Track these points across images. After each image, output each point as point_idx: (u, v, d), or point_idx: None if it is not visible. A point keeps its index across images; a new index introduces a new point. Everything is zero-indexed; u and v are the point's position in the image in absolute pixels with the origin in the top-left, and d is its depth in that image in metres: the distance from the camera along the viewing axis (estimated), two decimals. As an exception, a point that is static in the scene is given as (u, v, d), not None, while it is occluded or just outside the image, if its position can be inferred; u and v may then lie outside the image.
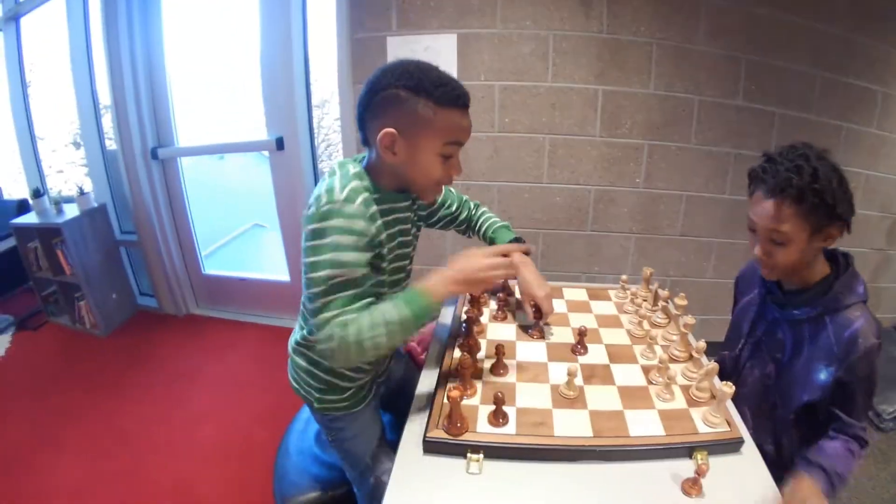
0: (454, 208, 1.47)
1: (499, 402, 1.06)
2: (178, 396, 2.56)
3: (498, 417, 1.08)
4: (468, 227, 1.52)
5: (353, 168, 1.06)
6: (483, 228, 1.49)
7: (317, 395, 1.23)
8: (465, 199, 1.51)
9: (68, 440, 2.25)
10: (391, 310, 0.98)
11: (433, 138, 1.00)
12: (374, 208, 1.03)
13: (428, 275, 1.06)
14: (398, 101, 0.97)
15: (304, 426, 1.69)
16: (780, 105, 2.43)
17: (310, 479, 1.45)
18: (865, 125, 2.59)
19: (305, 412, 1.73)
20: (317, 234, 0.96)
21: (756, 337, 1.36)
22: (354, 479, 1.37)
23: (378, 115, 1.00)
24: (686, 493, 0.97)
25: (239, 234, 3.99)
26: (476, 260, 1.09)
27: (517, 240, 1.44)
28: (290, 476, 1.48)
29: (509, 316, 1.49)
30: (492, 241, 1.47)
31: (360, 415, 1.29)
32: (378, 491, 1.27)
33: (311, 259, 0.96)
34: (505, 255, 1.23)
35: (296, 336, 1.25)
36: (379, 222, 1.04)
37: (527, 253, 1.42)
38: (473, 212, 1.52)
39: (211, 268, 3.34)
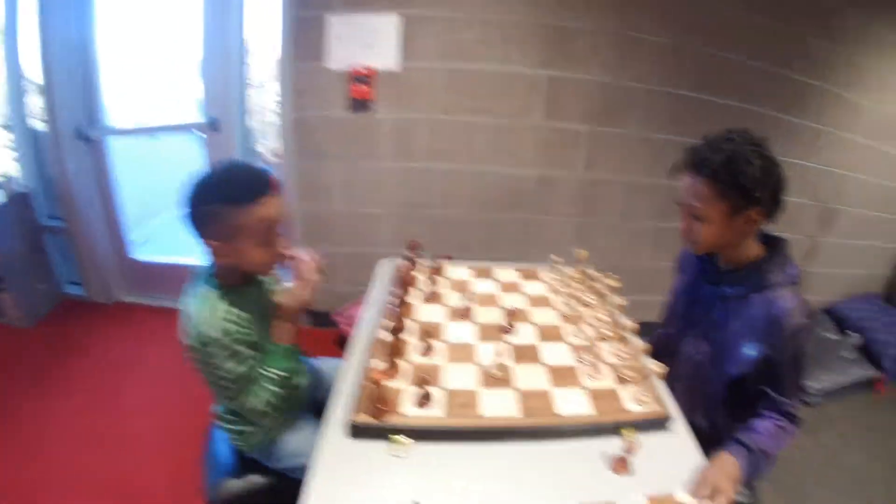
0: None
1: (423, 382, 1.05)
2: (109, 387, 2.43)
3: (424, 399, 1.06)
4: None
5: (209, 291, 1.14)
6: None
7: (240, 442, 1.32)
8: None
9: (-6, 437, 2.11)
10: (274, 377, 1.17)
11: (248, 234, 1.08)
12: (237, 316, 1.14)
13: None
14: (209, 215, 1.06)
15: (231, 411, 1.63)
16: (722, 96, 2.48)
17: (241, 466, 1.40)
18: (804, 118, 2.68)
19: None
20: (204, 361, 1.10)
21: (692, 316, 1.38)
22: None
23: (201, 230, 1.09)
24: (615, 471, 0.98)
25: (169, 219, 3.85)
26: (291, 293, 1.22)
27: None
28: (219, 464, 1.42)
29: (438, 297, 1.47)
30: None
31: (290, 437, 1.31)
32: None
33: (209, 379, 1.14)
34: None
35: (216, 408, 1.36)
36: (245, 322, 1.16)
37: None
38: None
39: (141, 253, 3.18)
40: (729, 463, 1.08)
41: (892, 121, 2.92)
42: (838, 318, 3.18)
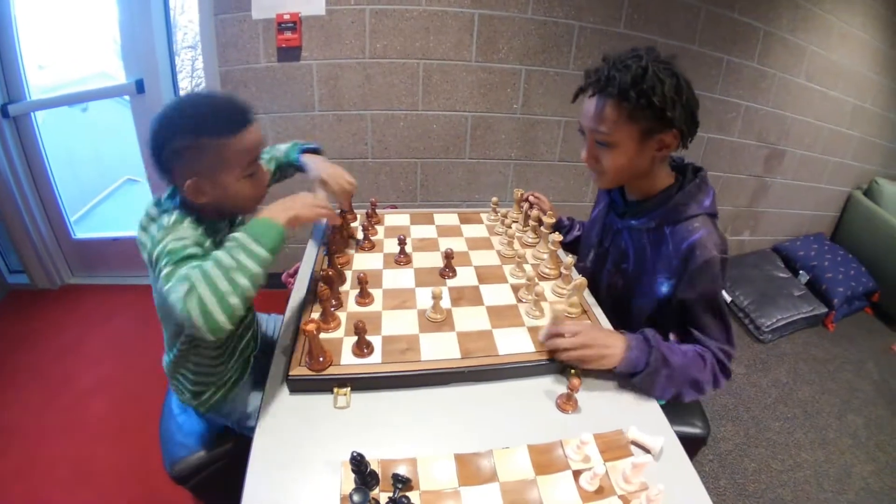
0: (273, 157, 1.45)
1: (360, 331, 1.01)
2: (63, 374, 2.36)
3: (362, 347, 1.03)
4: (278, 171, 1.48)
5: (169, 216, 1.00)
6: (280, 161, 1.46)
7: (194, 402, 1.23)
8: (272, 153, 1.45)
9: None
10: (228, 244, 0.91)
11: (232, 168, 0.99)
12: (201, 230, 1.01)
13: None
14: (185, 149, 0.95)
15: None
16: (662, 34, 2.46)
17: (196, 437, 1.36)
18: (747, 59, 2.69)
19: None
20: (157, 258, 0.93)
21: (603, 248, 1.35)
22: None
23: (173, 167, 0.98)
24: (561, 408, 0.97)
25: (110, 192, 3.69)
26: (304, 197, 1.08)
27: (314, 150, 1.46)
28: (175, 437, 1.38)
29: (376, 245, 1.44)
30: (288, 165, 1.46)
31: (241, 395, 1.26)
32: None
33: (161, 262, 0.92)
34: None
35: (166, 358, 1.21)
36: (208, 242, 1.02)
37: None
38: (279, 155, 1.46)
39: (83, 232, 3.04)
40: (615, 334, 1.06)
41: (836, 65, 2.97)
42: (787, 258, 3.27)
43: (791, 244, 3.34)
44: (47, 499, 1.80)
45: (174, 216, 1.00)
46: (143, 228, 1.02)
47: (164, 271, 0.90)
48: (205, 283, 0.84)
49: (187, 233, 0.97)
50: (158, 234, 0.96)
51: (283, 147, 1.47)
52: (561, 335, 1.02)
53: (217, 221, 1.10)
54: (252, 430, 1.23)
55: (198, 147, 0.95)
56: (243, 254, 0.89)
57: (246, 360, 1.29)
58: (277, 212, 0.99)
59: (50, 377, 2.36)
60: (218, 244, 0.97)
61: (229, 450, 1.33)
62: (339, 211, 1.47)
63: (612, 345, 1.01)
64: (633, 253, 1.23)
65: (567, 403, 0.97)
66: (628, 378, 1.03)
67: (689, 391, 1.05)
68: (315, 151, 1.47)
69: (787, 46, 2.75)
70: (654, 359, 1.00)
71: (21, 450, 1.99)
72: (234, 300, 0.85)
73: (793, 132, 3.06)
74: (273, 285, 2.61)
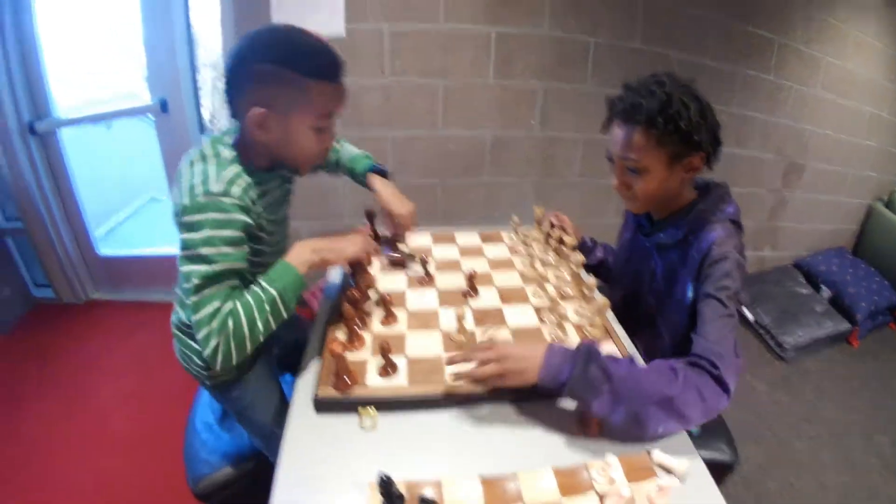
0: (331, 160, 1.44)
1: (385, 351, 1.01)
2: (85, 389, 2.40)
3: (387, 368, 1.04)
4: (336, 166, 1.46)
5: (226, 152, 0.99)
6: (342, 161, 1.44)
7: (204, 374, 1.20)
8: (336, 147, 1.46)
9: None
10: (260, 295, 0.96)
11: (307, 113, 0.95)
12: (253, 192, 0.99)
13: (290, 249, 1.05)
14: (267, 75, 0.91)
15: (210, 400, 1.61)
16: (678, 49, 2.47)
17: (220, 455, 1.39)
18: (762, 72, 2.68)
19: (208, 388, 1.65)
20: (191, 227, 0.91)
21: (634, 271, 1.35)
22: (263, 447, 1.33)
23: (245, 92, 0.94)
24: (584, 432, 0.95)
25: (134, 210, 3.76)
26: (338, 237, 1.11)
27: (375, 167, 1.41)
28: (199, 455, 1.41)
29: (401, 265, 1.46)
30: (349, 171, 1.43)
31: (251, 380, 1.24)
32: None
33: (186, 253, 0.92)
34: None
35: (176, 316, 1.21)
36: (259, 206, 1.01)
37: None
38: (338, 147, 1.45)
39: (107, 248, 3.11)
40: (535, 346, 0.95)
41: (852, 74, 2.95)
42: (808, 273, 3.23)
43: (812, 259, 3.29)
44: None
45: (230, 154, 0.99)
46: (191, 164, 0.97)
47: (196, 283, 0.91)
48: (233, 342, 0.93)
49: (233, 216, 0.93)
50: (201, 190, 0.91)
51: (351, 149, 1.45)
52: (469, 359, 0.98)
53: (266, 173, 1.07)
54: (248, 420, 1.27)
55: (281, 78, 0.91)
56: (268, 310, 0.96)
57: (262, 354, 1.29)
58: (304, 254, 1.02)
59: (73, 390, 2.39)
60: (264, 198, 1.04)
61: (253, 468, 1.35)
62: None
63: (531, 356, 0.93)
64: (662, 270, 1.24)
65: (589, 426, 0.95)
66: (557, 395, 0.96)
67: (659, 412, 0.89)
68: (383, 174, 1.42)
69: (802, 58, 2.74)
70: (586, 367, 0.90)
71: (42, 461, 2.02)
72: (250, 347, 0.96)
73: (811, 145, 3.04)
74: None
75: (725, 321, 1.01)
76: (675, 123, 1.01)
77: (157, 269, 3.01)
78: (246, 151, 1.01)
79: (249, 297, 0.94)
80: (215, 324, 0.90)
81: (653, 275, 1.27)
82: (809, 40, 2.72)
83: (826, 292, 3.07)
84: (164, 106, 2.55)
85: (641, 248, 1.31)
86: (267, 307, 0.95)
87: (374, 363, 1.06)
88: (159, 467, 1.94)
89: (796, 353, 2.75)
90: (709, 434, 1.37)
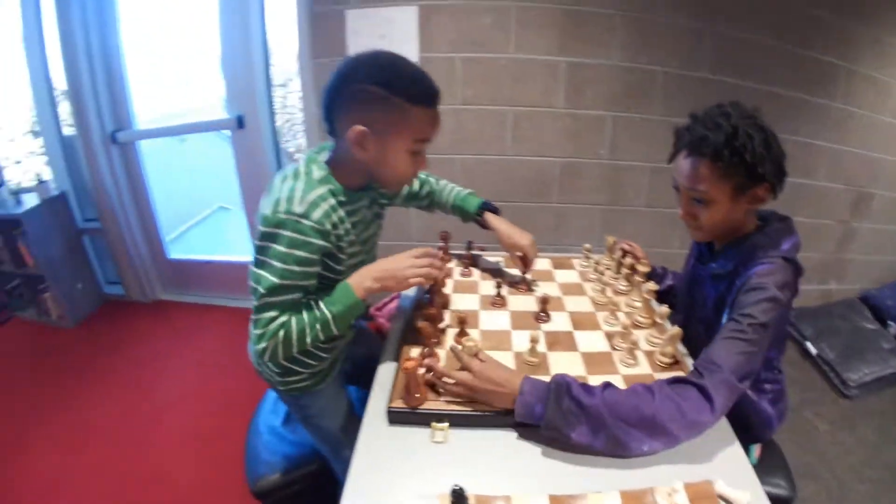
0: (416, 185, 1.48)
1: (463, 322, 1.13)
2: (148, 384, 2.52)
3: (463, 336, 1.15)
4: (431, 202, 1.52)
5: (318, 172, 1.04)
6: (448, 199, 1.50)
7: (278, 379, 1.24)
8: (425, 174, 1.50)
9: (40, 435, 2.19)
10: (316, 314, 1.03)
11: (404, 136, 1.00)
12: (339, 214, 1.04)
13: (356, 271, 1.11)
14: (370, 96, 0.95)
15: (274, 405, 1.67)
16: (745, 78, 2.44)
17: (281, 457, 1.44)
18: (831, 100, 2.62)
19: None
20: (268, 237, 0.98)
21: (691, 299, 1.36)
22: (329, 454, 1.38)
23: (348, 110, 0.98)
24: None
25: (203, 217, 3.93)
26: (400, 259, 1.12)
27: (486, 204, 1.49)
28: (261, 455, 1.46)
29: (470, 287, 1.49)
30: (459, 209, 1.49)
31: (323, 392, 1.30)
32: None
33: (259, 258, 0.99)
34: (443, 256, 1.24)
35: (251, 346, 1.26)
36: (345, 226, 1.06)
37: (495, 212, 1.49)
38: (435, 185, 1.52)
39: (176, 252, 3.27)
40: (516, 376, 0.98)
41: (924, 100, 2.84)
42: (875, 307, 3.10)
43: (880, 293, 3.16)
44: (121, 494, 1.92)
45: (321, 174, 1.04)
46: (283, 179, 1.03)
47: (262, 290, 0.98)
48: (281, 349, 1.03)
49: (309, 239, 0.98)
50: (284, 207, 0.96)
51: (449, 186, 1.52)
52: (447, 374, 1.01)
53: (357, 192, 1.11)
54: (315, 427, 1.31)
55: (384, 100, 0.95)
56: (319, 329, 1.03)
57: (338, 355, 1.33)
58: (359, 283, 1.07)
59: (135, 384, 2.52)
60: (355, 226, 1.10)
61: (311, 473, 1.39)
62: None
63: (506, 387, 0.96)
64: (713, 299, 1.24)
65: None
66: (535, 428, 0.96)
67: (638, 432, 0.91)
68: (495, 211, 1.51)
69: (871, 84, 2.66)
70: (558, 402, 0.92)
71: (100, 448, 2.13)
72: (296, 352, 1.06)
73: (881, 174, 2.93)
74: (360, 317, 2.75)
75: (737, 343, 0.99)
76: (740, 156, 1.02)
77: (222, 275, 3.15)
78: (339, 169, 1.06)
79: (306, 315, 1.02)
80: (270, 329, 1.00)
81: (704, 303, 1.28)
82: (879, 66, 2.63)
83: (894, 328, 2.95)
84: (240, 122, 2.68)
85: (699, 276, 1.31)
86: (318, 326, 1.03)
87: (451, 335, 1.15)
88: (215, 465, 2.03)
89: (860, 391, 2.65)
90: (767, 468, 1.35)
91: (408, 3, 2.26)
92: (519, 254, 1.44)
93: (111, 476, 1.99)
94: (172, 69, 3.37)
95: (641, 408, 0.91)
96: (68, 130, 3.00)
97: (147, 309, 3.20)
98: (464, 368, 1.01)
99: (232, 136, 2.77)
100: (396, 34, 2.30)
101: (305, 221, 0.97)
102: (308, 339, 1.03)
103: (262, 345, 1.01)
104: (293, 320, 1.01)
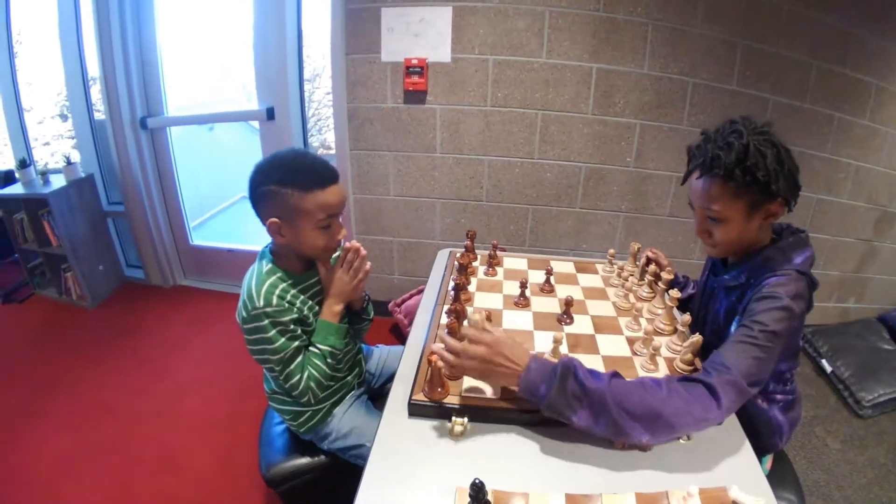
0: None
1: (487, 319, 1.10)
2: (164, 367, 2.55)
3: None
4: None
5: (266, 265, 1.22)
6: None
7: (294, 424, 1.38)
8: None
9: (55, 412, 2.24)
10: (318, 353, 1.24)
11: (307, 220, 1.15)
12: (291, 294, 1.21)
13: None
14: (271, 195, 1.13)
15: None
16: (774, 91, 2.43)
17: (295, 445, 1.45)
18: (858, 116, 2.60)
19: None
20: (252, 332, 1.17)
21: (704, 311, 1.37)
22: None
23: (261, 208, 1.18)
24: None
25: (227, 206, 3.98)
26: (340, 276, 1.27)
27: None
28: (275, 442, 1.47)
29: (495, 286, 1.51)
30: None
31: (338, 414, 1.38)
32: None
33: (256, 351, 1.20)
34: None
35: (267, 385, 1.42)
36: (301, 299, 1.24)
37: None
38: None
39: (198, 239, 3.31)
40: (526, 354, 0.99)
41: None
42: (893, 328, 3.07)
43: (897, 314, 3.14)
44: (133, 474, 1.95)
45: (268, 266, 1.22)
46: (247, 276, 1.22)
47: (275, 372, 1.21)
48: (318, 389, 1.25)
49: (279, 318, 1.16)
50: (250, 306, 1.15)
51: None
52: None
53: (302, 276, 1.27)
54: (349, 449, 1.34)
55: (281, 194, 1.12)
56: (328, 359, 1.24)
57: (347, 391, 1.43)
58: (329, 313, 1.26)
59: (152, 367, 2.55)
60: (311, 298, 1.27)
61: (325, 462, 1.39)
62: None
63: (516, 363, 0.97)
64: (724, 311, 1.25)
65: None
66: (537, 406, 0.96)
67: (641, 422, 0.91)
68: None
69: (901, 102, 2.65)
70: (563, 384, 0.93)
71: (115, 427, 2.17)
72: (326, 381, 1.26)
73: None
74: (379, 312, 2.80)
75: (746, 347, 0.99)
76: (752, 175, 1.02)
77: (243, 263, 3.15)
78: (280, 256, 1.25)
79: (315, 360, 1.23)
80: (302, 387, 1.22)
81: (716, 314, 1.29)
82: (909, 84, 2.62)
83: (910, 350, 2.92)
84: (270, 113, 2.72)
85: (712, 288, 1.33)
86: (328, 359, 1.24)
87: None
88: (228, 450, 2.05)
89: (874, 411, 2.62)
90: (778, 481, 1.35)
91: (443, 4, 2.28)
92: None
93: (123, 456, 2.02)
94: (205, 58, 3.41)
95: (649, 401, 0.92)
96: (98, 115, 3.05)
97: (166, 293, 3.25)
98: (473, 341, 0.99)
99: (261, 127, 2.81)
100: (430, 33, 2.33)
101: (269, 310, 1.15)
102: (328, 370, 1.24)
103: (305, 398, 1.24)
104: (312, 370, 1.22)
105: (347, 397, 1.41)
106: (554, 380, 0.93)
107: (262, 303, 1.15)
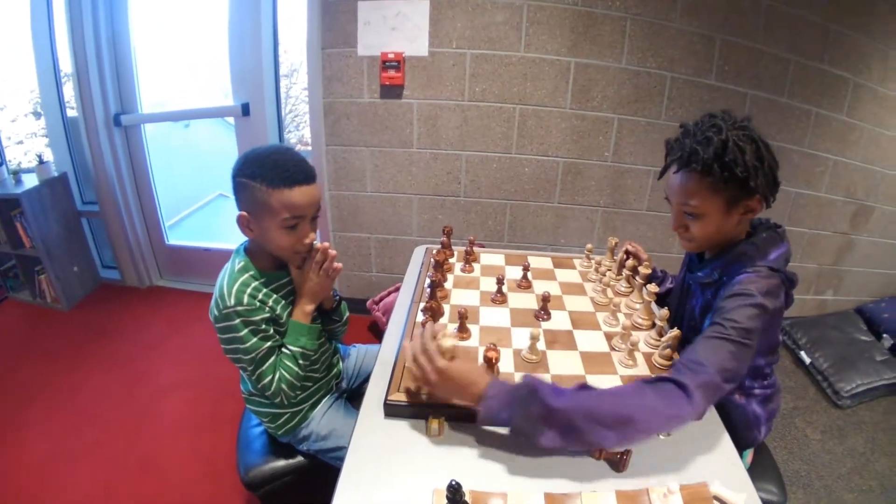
0: None
1: (462, 317, 1.16)
2: (143, 369, 2.50)
3: (462, 333, 1.18)
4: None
5: (240, 262, 1.21)
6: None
7: (271, 426, 1.37)
8: None
9: (32, 417, 2.18)
10: (290, 355, 1.22)
11: (271, 217, 1.13)
12: (263, 293, 1.20)
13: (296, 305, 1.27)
14: (243, 187, 1.13)
15: (268, 396, 1.67)
16: (752, 86, 2.45)
17: (273, 448, 1.43)
18: (836, 111, 2.62)
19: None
20: (224, 331, 1.15)
21: (682, 307, 1.36)
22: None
23: (237, 200, 1.17)
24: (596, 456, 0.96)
25: (203, 204, 3.92)
26: (310, 277, 1.24)
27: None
28: (253, 444, 1.45)
29: (472, 282, 1.49)
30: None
31: (316, 416, 1.36)
32: None
33: (229, 350, 1.18)
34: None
35: (244, 386, 1.40)
36: (273, 299, 1.22)
37: None
38: None
39: (174, 238, 3.25)
40: (484, 376, 0.95)
41: (930, 117, 2.85)
42: (870, 320, 3.11)
43: (876, 305, 3.18)
44: (113, 480, 1.91)
45: (241, 263, 1.20)
46: (221, 275, 1.21)
47: (247, 372, 1.20)
48: (290, 390, 1.22)
49: (251, 317, 1.15)
50: (221, 305, 1.13)
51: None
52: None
53: (275, 274, 1.25)
54: (328, 451, 1.32)
55: (250, 188, 1.11)
56: (300, 360, 1.23)
57: (325, 392, 1.42)
58: (300, 313, 1.25)
59: (130, 370, 2.50)
60: (284, 297, 1.25)
61: (303, 464, 1.38)
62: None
63: (471, 389, 0.94)
64: (700, 308, 1.24)
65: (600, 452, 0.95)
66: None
67: (612, 431, 0.88)
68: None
69: (877, 98, 2.67)
70: (527, 408, 0.89)
71: (94, 432, 2.12)
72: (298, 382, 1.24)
73: (882, 187, 2.94)
74: (356, 310, 2.77)
75: (719, 343, 0.98)
76: (731, 170, 1.01)
77: (219, 262, 3.09)
78: (254, 254, 1.24)
79: (287, 361, 1.22)
80: (274, 388, 1.20)
81: (693, 311, 1.28)
82: (885, 79, 2.64)
83: (888, 341, 2.96)
84: (245, 109, 2.68)
85: (688, 283, 1.32)
86: (299, 359, 1.23)
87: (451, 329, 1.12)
88: (208, 453, 2.02)
89: (852, 401, 2.66)
90: (759, 474, 1.35)
91: (419, -4, 2.26)
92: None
93: (103, 461, 1.98)
94: (180, 54, 3.35)
95: (618, 409, 0.89)
96: (71, 112, 2.98)
97: (143, 294, 3.19)
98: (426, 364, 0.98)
99: (236, 123, 2.76)
100: (407, 27, 2.30)
101: (240, 308, 1.14)
102: (301, 372, 1.23)
103: (277, 399, 1.22)
104: (283, 372, 1.21)
105: (325, 399, 1.39)
106: (516, 404, 0.90)
107: (232, 301, 1.13)
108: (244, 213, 1.14)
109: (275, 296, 1.22)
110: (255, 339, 1.16)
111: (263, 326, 1.17)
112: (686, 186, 1.08)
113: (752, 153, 1.01)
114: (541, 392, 0.89)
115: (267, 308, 1.18)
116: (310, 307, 1.26)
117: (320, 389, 1.39)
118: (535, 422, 0.88)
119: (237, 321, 1.13)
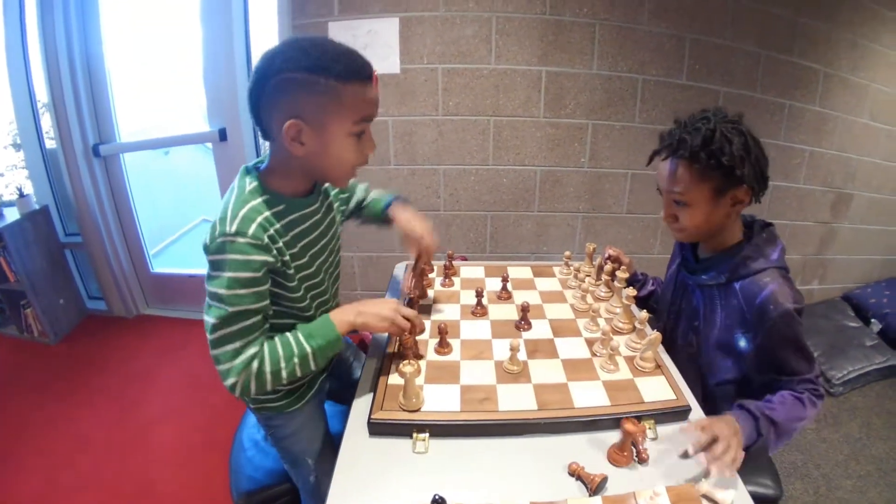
0: (361, 194, 1.41)
1: (442, 332, 1.16)
2: (133, 399, 2.49)
3: (443, 348, 1.19)
4: (362, 209, 1.42)
5: (251, 182, 0.96)
6: (365, 205, 1.41)
7: (246, 398, 1.18)
8: (359, 185, 1.42)
9: (23, 453, 2.16)
10: (293, 345, 0.99)
11: (342, 118, 0.90)
12: (275, 227, 0.96)
13: (340, 306, 1.09)
14: (296, 84, 0.86)
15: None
16: (724, 83, 2.48)
17: (265, 472, 1.42)
18: (808, 103, 2.66)
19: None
20: (214, 265, 0.91)
21: (677, 307, 1.37)
22: (295, 476, 1.33)
23: (276, 106, 0.89)
24: (613, 460, 0.96)
25: (186, 230, 3.91)
26: (382, 306, 1.09)
27: (397, 199, 1.39)
28: (244, 470, 1.44)
29: (453, 296, 1.49)
30: (374, 208, 1.39)
31: (297, 413, 1.23)
32: (319, 490, 1.25)
33: (211, 289, 0.92)
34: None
35: None
36: (284, 239, 0.98)
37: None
38: (361, 195, 1.42)
39: (159, 266, 3.25)
40: (727, 419, 0.99)
41: (901, 101, 2.89)
42: (857, 306, 3.14)
43: (862, 291, 3.21)
44: None
45: (253, 184, 0.96)
46: (228, 193, 0.98)
47: (212, 322, 0.91)
48: (254, 383, 0.96)
49: (250, 257, 0.91)
50: (219, 230, 0.90)
51: (365, 188, 1.42)
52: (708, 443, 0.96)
53: (300, 199, 1.04)
54: (286, 451, 1.28)
55: (312, 83, 0.85)
56: (297, 363, 0.99)
57: (314, 378, 1.27)
58: (348, 314, 1.05)
59: (121, 400, 2.49)
60: (302, 236, 1.03)
61: (295, 487, 1.37)
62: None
63: (738, 431, 0.98)
64: (703, 309, 1.25)
65: (621, 455, 0.96)
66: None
67: (796, 432, 1.08)
68: (398, 199, 1.40)
69: (848, 86, 2.71)
70: (763, 426, 1.03)
71: (88, 464, 2.11)
72: (271, 388, 0.99)
73: (859, 175, 2.98)
74: None
75: (805, 352, 1.13)
76: (716, 158, 1.05)
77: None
78: (276, 176, 0.99)
79: (281, 346, 0.97)
80: (237, 363, 0.92)
81: (695, 313, 1.29)
82: (855, 68, 2.69)
83: (876, 325, 2.98)
84: (222, 134, 2.68)
85: (684, 284, 1.33)
86: (297, 360, 0.98)
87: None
88: (201, 480, 2.01)
89: (844, 388, 2.67)
90: (753, 468, 1.35)
91: (390, 15, 2.27)
92: (414, 257, 1.36)
93: (97, 492, 1.97)
94: (156, 82, 3.36)
95: (800, 414, 1.08)
96: (50, 143, 2.97)
97: (130, 324, 3.17)
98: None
99: (214, 149, 2.76)
100: (378, 45, 2.31)
101: (241, 239, 0.89)
102: (284, 375, 0.97)
103: (231, 380, 0.93)
104: (266, 351, 0.95)
105: (311, 393, 1.25)
106: (758, 425, 1.03)
107: (234, 228, 0.89)
108: (296, 119, 0.88)
109: (289, 235, 0.99)
110: (246, 289, 0.91)
111: (258, 277, 0.92)
112: (674, 173, 1.12)
113: (739, 144, 1.05)
114: (763, 410, 1.05)
115: (274, 251, 0.94)
116: (356, 320, 1.04)
117: (313, 384, 1.27)
118: (767, 436, 1.03)
119: (233, 256, 0.89)
